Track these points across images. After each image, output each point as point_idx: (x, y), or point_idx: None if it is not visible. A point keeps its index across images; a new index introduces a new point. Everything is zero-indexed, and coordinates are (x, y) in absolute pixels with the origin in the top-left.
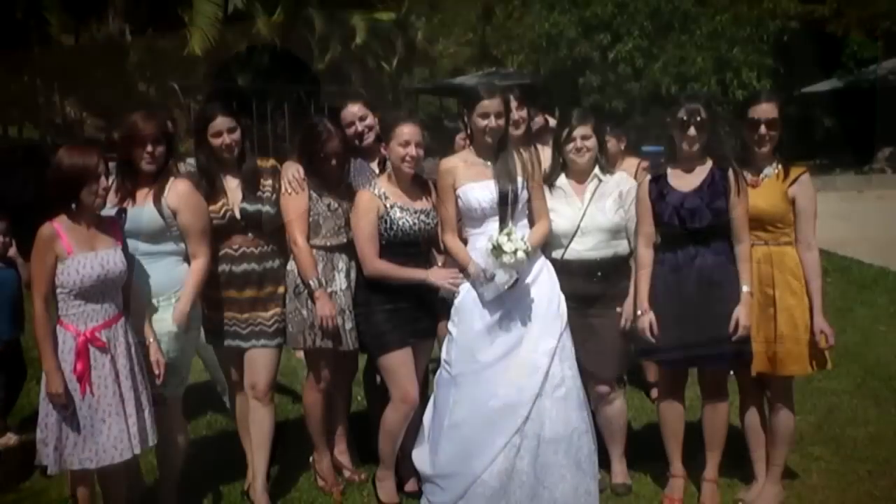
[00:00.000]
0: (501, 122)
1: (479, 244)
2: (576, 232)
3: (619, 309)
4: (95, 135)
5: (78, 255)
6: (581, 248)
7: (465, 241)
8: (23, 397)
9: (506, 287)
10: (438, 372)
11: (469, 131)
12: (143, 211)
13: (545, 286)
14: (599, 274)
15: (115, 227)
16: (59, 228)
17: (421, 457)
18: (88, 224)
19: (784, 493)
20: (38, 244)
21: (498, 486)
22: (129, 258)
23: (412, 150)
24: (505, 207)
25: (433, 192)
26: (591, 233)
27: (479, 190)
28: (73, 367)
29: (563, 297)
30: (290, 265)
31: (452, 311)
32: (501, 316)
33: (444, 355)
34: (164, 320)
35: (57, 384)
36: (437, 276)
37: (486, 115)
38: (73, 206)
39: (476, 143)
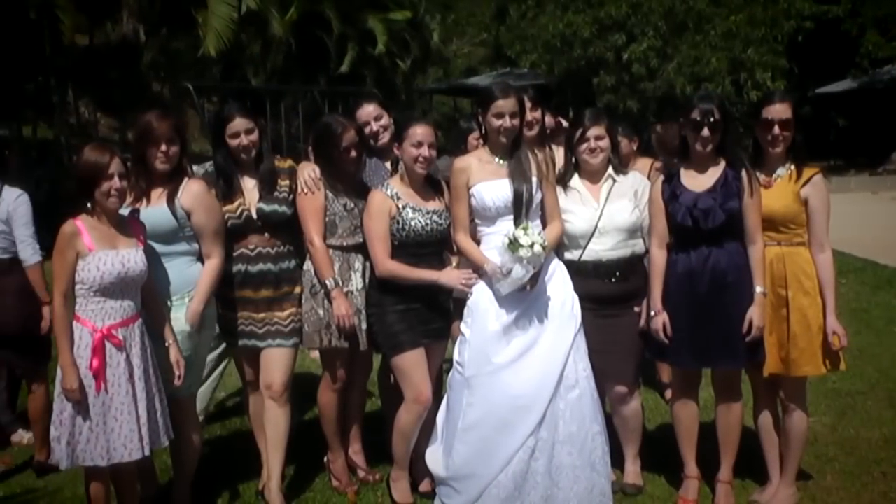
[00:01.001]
0: (516, 121)
1: (492, 243)
2: (594, 232)
3: (637, 309)
4: (109, 135)
5: (99, 252)
6: (599, 249)
7: (477, 242)
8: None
9: (522, 282)
10: (451, 373)
11: (483, 131)
12: (156, 211)
13: (559, 287)
14: (618, 274)
15: (137, 228)
16: (81, 226)
17: (435, 459)
18: (110, 223)
19: (798, 495)
20: (59, 240)
21: (513, 488)
22: (150, 259)
23: (425, 151)
24: (519, 207)
25: (446, 193)
26: (609, 233)
27: (493, 189)
28: (89, 364)
29: (576, 297)
30: (307, 265)
31: (465, 311)
32: (516, 317)
33: (456, 356)
34: (177, 320)
35: (73, 379)
36: (448, 277)
37: (500, 115)
38: (89, 204)
39: (490, 143)
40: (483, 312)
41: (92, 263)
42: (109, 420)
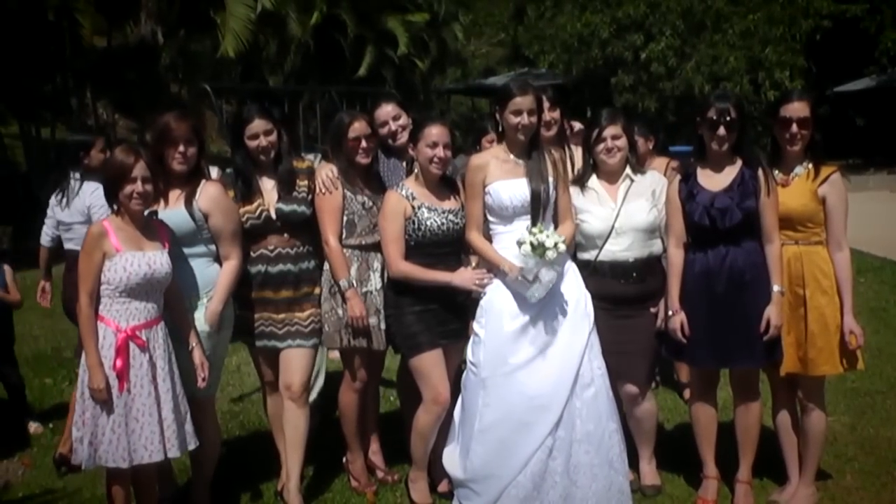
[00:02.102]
0: (534, 118)
1: (505, 242)
2: (610, 233)
3: (653, 309)
4: (127, 136)
5: (126, 253)
6: (616, 249)
7: (488, 240)
8: (55, 396)
9: (552, 283)
10: (465, 374)
11: (500, 129)
12: (174, 214)
13: (572, 286)
14: (634, 275)
15: (162, 230)
16: (109, 227)
17: (452, 460)
18: (136, 225)
19: (818, 495)
20: (87, 241)
21: (531, 488)
22: (174, 262)
23: (440, 152)
24: (537, 207)
25: (461, 192)
26: (626, 233)
27: (510, 188)
28: (112, 364)
29: (588, 296)
30: (327, 265)
31: (478, 311)
32: (531, 317)
33: (470, 357)
34: (197, 320)
35: (100, 379)
36: (462, 278)
37: (518, 112)
38: (115, 205)
39: (508, 141)
40: (497, 313)
41: (119, 264)
42: (131, 421)
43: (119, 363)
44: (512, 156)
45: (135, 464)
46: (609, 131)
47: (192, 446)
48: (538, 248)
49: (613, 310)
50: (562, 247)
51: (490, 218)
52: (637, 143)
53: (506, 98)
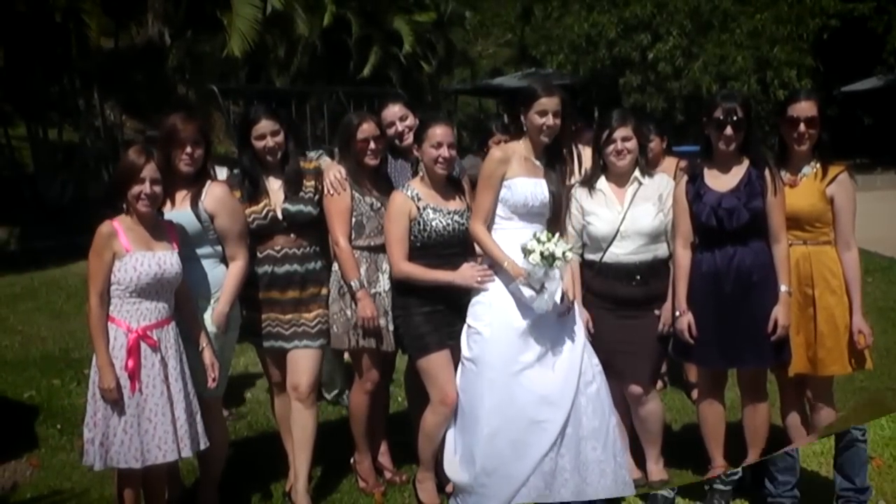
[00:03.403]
0: (558, 120)
1: (503, 238)
2: (615, 236)
3: (657, 312)
4: (134, 137)
5: (136, 253)
6: (620, 252)
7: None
8: (63, 398)
9: (558, 293)
10: (461, 374)
11: (523, 129)
12: (181, 215)
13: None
14: (638, 278)
15: (171, 231)
16: (118, 227)
17: (454, 467)
18: (146, 225)
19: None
20: (96, 241)
21: (543, 486)
22: (183, 263)
23: (444, 152)
24: (557, 210)
25: (467, 193)
26: (630, 237)
27: (532, 186)
28: (124, 364)
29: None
30: (336, 266)
31: (479, 308)
32: (536, 316)
33: (468, 354)
34: (204, 321)
35: (110, 379)
36: (463, 276)
37: (544, 113)
38: (124, 205)
39: (531, 141)
40: (504, 311)
41: (129, 264)
42: (143, 421)
43: (131, 363)
44: (532, 155)
45: (148, 464)
46: (620, 133)
47: (203, 446)
48: (548, 258)
49: (616, 310)
50: (569, 255)
51: (498, 212)
52: (651, 142)
53: (531, 99)
